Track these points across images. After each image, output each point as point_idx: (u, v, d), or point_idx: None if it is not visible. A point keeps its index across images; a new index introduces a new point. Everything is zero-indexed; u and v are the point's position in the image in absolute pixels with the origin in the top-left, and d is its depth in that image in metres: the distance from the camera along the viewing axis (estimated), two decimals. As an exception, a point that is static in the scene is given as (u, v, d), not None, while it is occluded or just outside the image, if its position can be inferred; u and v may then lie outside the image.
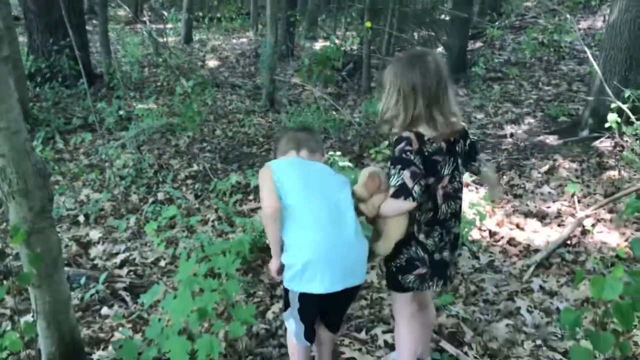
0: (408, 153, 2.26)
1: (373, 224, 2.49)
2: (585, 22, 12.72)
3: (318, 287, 2.25)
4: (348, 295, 2.44)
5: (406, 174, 2.24)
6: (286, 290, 2.41)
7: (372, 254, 2.46)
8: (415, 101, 2.31)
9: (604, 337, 2.10)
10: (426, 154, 2.30)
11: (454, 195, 2.43)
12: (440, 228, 2.42)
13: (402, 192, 2.24)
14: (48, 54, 8.62)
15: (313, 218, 2.29)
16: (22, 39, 10.48)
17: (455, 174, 2.41)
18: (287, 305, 2.47)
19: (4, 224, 4.81)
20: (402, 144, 2.28)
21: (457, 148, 2.42)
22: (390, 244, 2.40)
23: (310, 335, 2.49)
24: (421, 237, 2.41)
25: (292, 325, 2.47)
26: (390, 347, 3.10)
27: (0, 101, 2.18)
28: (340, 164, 4.97)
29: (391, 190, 2.28)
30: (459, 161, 2.43)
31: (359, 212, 2.40)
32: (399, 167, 2.26)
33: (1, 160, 2.26)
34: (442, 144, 2.35)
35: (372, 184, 2.36)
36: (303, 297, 2.33)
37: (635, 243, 2.15)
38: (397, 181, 2.25)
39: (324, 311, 2.53)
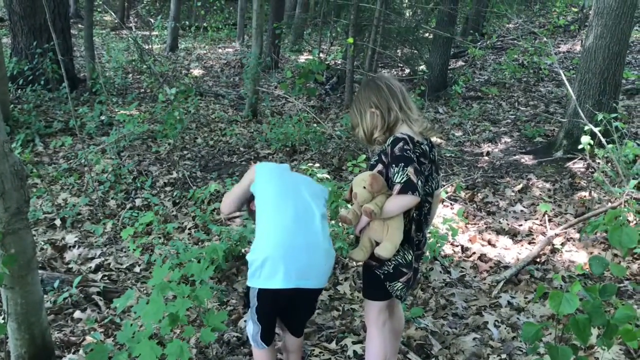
0: (408, 151, 2.38)
1: (369, 232, 2.49)
2: (565, 45, 13.02)
3: (274, 282, 2.35)
4: (306, 298, 2.53)
5: (410, 170, 2.33)
6: (247, 290, 2.50)
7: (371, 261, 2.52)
8: (388, 105, 2.51)
9: (562, 350, 2.18)
10: (417, 154, 2.42)
11: (425, 199, 2.54)
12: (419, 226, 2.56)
13: (408, 187, 2.31)
14: (31, 57, 8.59)
15: (278, 219, 2.42)
16: (6, 41, 10.45)
17: (429, 178, 2.53)
18: (247, 307, 2.55)
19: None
20: (401, 144, 2.39)
21: (432, 155, 2.56)
22: (395, 245, 2.42)
23: (267, 337, 2.55)
24: (415, 236, 2.52)
25: (251, 328, 2.55)
26: (360, 357, 3.15)
27: (-20, 103, 2.21)
28: (319, 175, 5.04)
29: (397, 187, 2.33)
30: (433, 167, 2.56)
31: (367, 214, 2.39)
32: (401, 164, 2.34)
33: (-21, 161, 2.28)
34: (426, 147, 2.50)
35: (377, 184, 2.39)
36: (261, 294, 2.42)
37: (593, 260, 2.24)
38: (403, 178, 2.32)
39: (285, 314, 2.61)
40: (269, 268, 2.34)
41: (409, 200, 2.34)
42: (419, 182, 2.33)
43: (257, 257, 2.37)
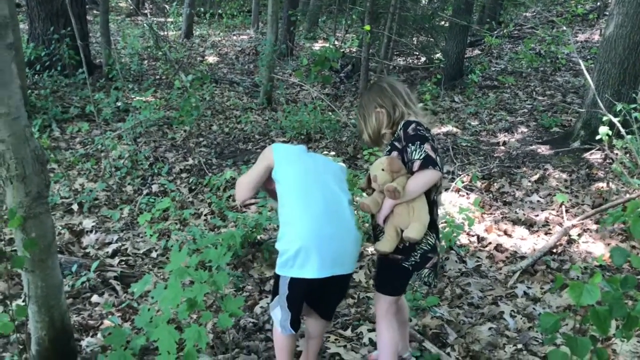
0: (422, 130, 2.40)
1: (393, 220, 2.43)
2: (583, 34, 12.84)
3: (308, 272, 2.35)
4: (338, 284, 2.52)
5: (427, 146, 2.33)
6: (277, 278, 2.48)
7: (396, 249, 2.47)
8: (393, 103, 2.53)
9: (582, 342, 2.16)
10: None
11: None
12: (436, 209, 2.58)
13: (428, 162, 2.31)
14: (48, 42, 8.63)
15: (308, 208, 2.41)
16: (23, 26, 10.50)
17: None
18: (275, 294, 2.54)
19: (-2, 209, 4.85)
20: (414, 125, 2.42)
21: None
22: (424, 225, 2.39)
23: (296, 323, 2.54)
24: (435, 218, 2.53)
25: (278, 315, 2.54)
26: (375, 345, 3.15)
27: (2, 87, 2.22)
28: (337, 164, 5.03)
29: (417, 163, 2.31)
30: None
31: (390, 194, 2.33)
32: (417, 142, 2.34)
33: (0, 146, 2.30)
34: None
35: (395, 164, 2.36)
36: (293, 283, 2.41)
37: (615, 252, 2.21)
38: (421, 154, 2.32)
39: (316, 299, 2.60)
40: (303, 258, 2.34)
41: (431, 175, 2.33)
42: (437, 158, 2.33)
43: (289, 247, 2.37)
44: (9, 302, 2.62)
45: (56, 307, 2.72)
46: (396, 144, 2.46)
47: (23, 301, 2.69)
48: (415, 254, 2.48)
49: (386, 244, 2.45)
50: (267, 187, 2.70)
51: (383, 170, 2.37)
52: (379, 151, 5.36)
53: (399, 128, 2.46)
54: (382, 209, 2.44)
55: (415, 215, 2.38)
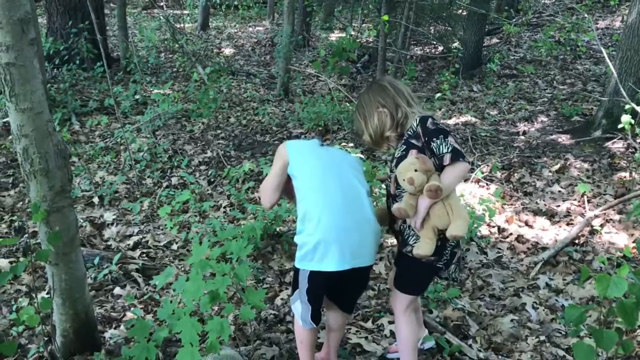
0: (441, 124, 2.36)
1: (432, 221, 2.33)
2: (604, 21, 12.64)
3: (328, 265, 2.33)
4: (358, 276, 2.51)
5: (451, 139, 2.29)
6: (296, 271, 2.48)
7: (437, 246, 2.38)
8: (396, 102, 2.47)
9: (608, 334, 2.14)
10: None
11: None
12: None
13: (458, 154, 2.26)
14: (66, 36, 8.69)
15: (326, 200, 2.38)
16: (41, 20, 10.57)
17: None
18: (295, 288, 2.53)
19: (21, 203, 4.90)
20: (431, 119, 2.37)
21: None
22: (467, 220, 2.32)
23: (316, 317, 2.53)
24: None
25: (299, 308, 2.52)
26: (396, 336, 3.15)
27: (25, 82, 2.24)
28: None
29: (447, 157, 2.25)
30: None
31: (433, 194, 2.23)
32: (441, 136, 2.29)
33: (24, 140, 2.32)
34: None
35: (427, 161, 2.26)
36: (313, 276, 2.40)
37: (642, 243, 2.18)
38: (448, 147, 2.26)
39: (336, 292, 2.59)
40: (322, 251, 2.32)
41: (464, 167, 2.28)
42: (462, 150, 2.30)
43: (308, 240, 2.35)
44: (34, 295, 2.65)
45: (80, 299, 2.75)
46: (413, 141, 2.38)
47: (47, 294, 2.73)
48: (446, 252, 2.44)
49: (426, 247, 2.35)
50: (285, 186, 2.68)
51: (416, 171, 2.25)
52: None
53: (416, 125, 2.39)
54: (419, 212, 2.32)
55: (454, 213, 2.29)
